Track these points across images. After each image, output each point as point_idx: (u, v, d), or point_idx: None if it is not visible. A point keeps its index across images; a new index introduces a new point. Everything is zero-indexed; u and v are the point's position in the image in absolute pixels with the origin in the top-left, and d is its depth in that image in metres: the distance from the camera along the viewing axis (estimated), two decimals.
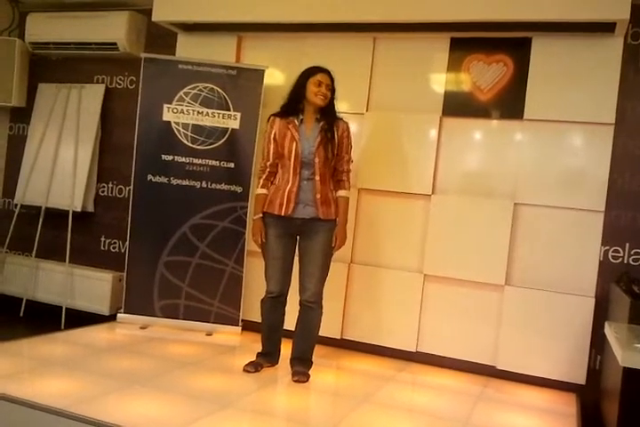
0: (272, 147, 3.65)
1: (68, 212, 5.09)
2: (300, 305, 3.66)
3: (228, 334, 4.47)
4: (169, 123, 4.51)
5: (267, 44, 4.73)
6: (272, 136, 3.65)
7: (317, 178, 3.58)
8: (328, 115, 3.64)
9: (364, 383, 3.75)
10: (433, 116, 4.26)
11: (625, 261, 3.87)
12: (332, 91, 3.64)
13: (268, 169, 3.70)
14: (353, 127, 4.29)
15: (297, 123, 3.62)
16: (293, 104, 3.65)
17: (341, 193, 3.69)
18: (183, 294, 4.51)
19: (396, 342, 4.28)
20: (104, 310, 4.93)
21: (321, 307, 3.66)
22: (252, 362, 3.75)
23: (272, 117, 3.70)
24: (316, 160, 3.57)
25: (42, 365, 3.57)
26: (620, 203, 3.88)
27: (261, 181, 3.72)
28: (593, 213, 3.92)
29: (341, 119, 3.71)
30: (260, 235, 3.64)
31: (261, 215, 3.65)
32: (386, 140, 4.38)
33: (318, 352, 3.80)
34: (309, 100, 3.61)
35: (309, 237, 3.62)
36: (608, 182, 3.89)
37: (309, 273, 3.61)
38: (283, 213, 3.57)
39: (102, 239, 5.31)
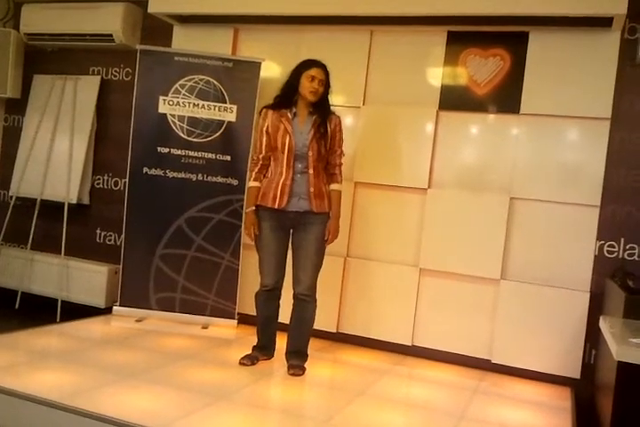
0: (265, 140, 3.63)
1: (63, 204, 5.08)
2: (294, 298, 3.66)
3: (223, 328, 4.47)
4: (165, 115, 4.49)
5: (263, 36, 4.71)
6: (265, 129, 3.63)
7: (311, 171, 3.57)
8: (321, 109, 3.62)
9: (360, 377, 3.76)
10: (429, 109, 4.25)
11: (620, 256, 3.87)
12: (327, 86, 3.61)
13: (260, 162, 3.67)
14: (349, 121, 4.36)
15: (290, 116, 3.60)
16: (287, 97, 3.62)
17: (334, 186, 3.69)
18: (179, 286, 4.51)
19: (392, 336, 4.29)
20: (99, 302, 4.93)
21: (315, 300, 3.67)
22: (247, 355, 3.75)
23: (264, 110, 3.68)
24: (310, 154, 3.56)
25: (37, 357, 3.57)
26: (616, 198, 3.88)
27: (254, 174, 3.71)
28: (588, 208, 3.92)
29: (334, 113, 3.69)
30: (254, 228, 3.64)
31: (254, 208, 3.65)
32: (382, 133, 4.37)
33: (314, 346, 3.82)
34: (301, 94, 3.59)
35: (303, 230, 3.62)
36: (604, 177, 3.89)
37: (303, 266, 3.61)
38: (277, 206, 3.57)
39: (98, 232, 5.30)
